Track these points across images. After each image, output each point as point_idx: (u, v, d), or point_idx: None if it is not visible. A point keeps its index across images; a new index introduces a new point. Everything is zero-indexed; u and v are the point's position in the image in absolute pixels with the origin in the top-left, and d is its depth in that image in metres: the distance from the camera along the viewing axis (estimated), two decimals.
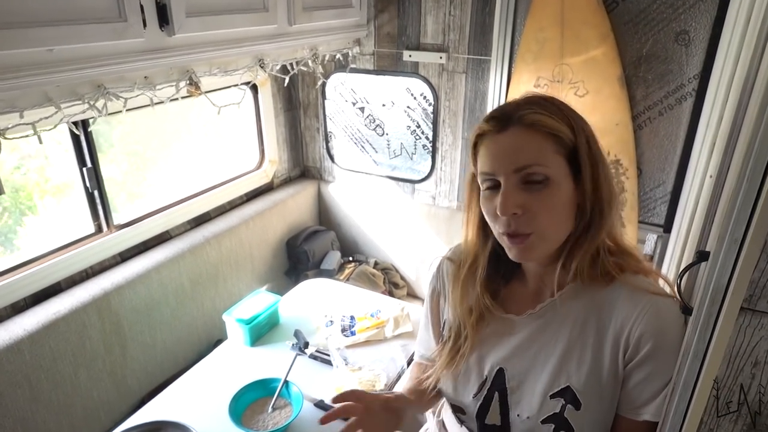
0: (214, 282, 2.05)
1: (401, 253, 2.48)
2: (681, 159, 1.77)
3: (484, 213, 0.87)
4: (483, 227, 0.93)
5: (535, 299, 0.93)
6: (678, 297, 0.76)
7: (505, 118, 0.82)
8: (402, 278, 2.50)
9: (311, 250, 2.37)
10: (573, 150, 0.82)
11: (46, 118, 1.14)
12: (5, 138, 1.08)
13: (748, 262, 0.58)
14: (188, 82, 1.45)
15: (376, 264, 2.49)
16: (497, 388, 0.93)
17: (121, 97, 1.27)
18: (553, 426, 0.87)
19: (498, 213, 0.81)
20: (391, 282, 2.45)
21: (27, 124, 1.11)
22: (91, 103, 1.20)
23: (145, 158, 2.02)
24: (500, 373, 0.93)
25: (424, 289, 2.41)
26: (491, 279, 0.95)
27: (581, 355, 0.86)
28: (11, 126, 1.09)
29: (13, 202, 1.64)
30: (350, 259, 2.48)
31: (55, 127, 1.17)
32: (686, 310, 0.72)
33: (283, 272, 2.44)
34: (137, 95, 1.31)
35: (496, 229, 0.85)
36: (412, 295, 2.50)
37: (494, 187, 0.83)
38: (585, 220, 0.84)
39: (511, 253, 0.85)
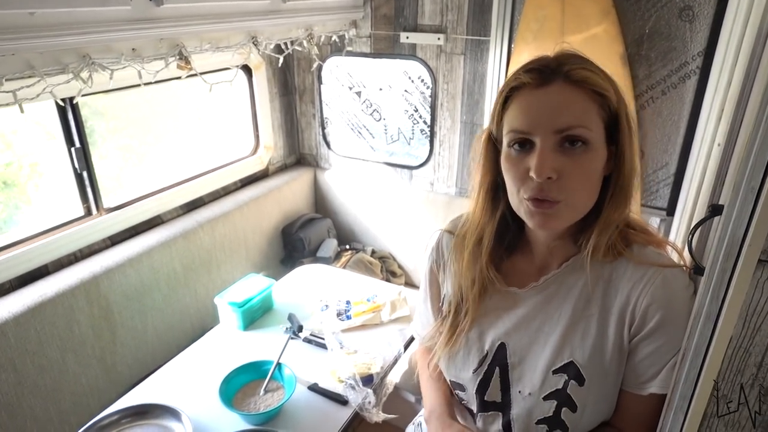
0: (207, 268, 2.00)
1: (399, 241, 2.44)
2: (684, 140, 1.73)
3: (506, 175, 0.80)
4: (494, 193, 0.87)
5: (539, 272, 0.89)
6: (689, 256, 0.72)
7: (548, 71, 0.75)
8: (399, 267, 2.46)
9: (307, 237, 2.33)
10: (613, 116, 0.76)
11: (29, 87, 1.10)
12: None
13: (766, 210, 0.54)
14: (178, 56, 1.41)
15: (373, 252, 2.45)
16: (498, 363, 0.89)
17: (108, 68, 1.23)
18: (556, 403, 0.83)
19: (533, 175, 0.74)
20: (388, 270, 2.41)
21: (7, 92, 1.06)
22: (76, 72, 1.16)
23: (139, 152, 1.98)
24: (501, 348, 0.89)
25: (422, 277, 2.36)
26: (495, 250, 0.90)
27: (585, 330, 0.82)
28: None
29: (6, 198, 1.60)
30: (347, 247, 2.44)
31: (37, 96, 1.12)
32: (698, 271, 0.68)
33: (278, 260, 2.40)
34: (124, 67, 1.26)
35: (521, 194, 0.77)
36: (410, 284, 2.45)
37: (524, 147, 0.76)
38: (610, 194, 0.79)
39: (533, 221, 0.78)
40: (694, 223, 0.72)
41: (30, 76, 1.10)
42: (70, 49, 1.15)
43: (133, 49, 1.29)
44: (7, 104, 1.08)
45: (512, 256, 0.92)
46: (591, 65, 0.76)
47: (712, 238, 0.68)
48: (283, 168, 2.55)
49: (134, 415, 1.22)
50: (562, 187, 0.74)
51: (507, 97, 0.78)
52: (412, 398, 1.74)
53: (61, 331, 1.52)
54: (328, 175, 2.54)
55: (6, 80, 1.06)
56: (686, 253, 0.90)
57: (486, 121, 2.05)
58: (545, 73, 0.74)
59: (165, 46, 1.38)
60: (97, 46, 1.20)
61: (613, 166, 0.79)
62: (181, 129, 2.13)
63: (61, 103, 1.39)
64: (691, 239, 0.69)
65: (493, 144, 0.84)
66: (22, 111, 1.09)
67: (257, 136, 2.36)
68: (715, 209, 0.63)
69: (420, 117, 2.22)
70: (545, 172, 0.73)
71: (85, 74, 1.19)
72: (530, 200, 0.76)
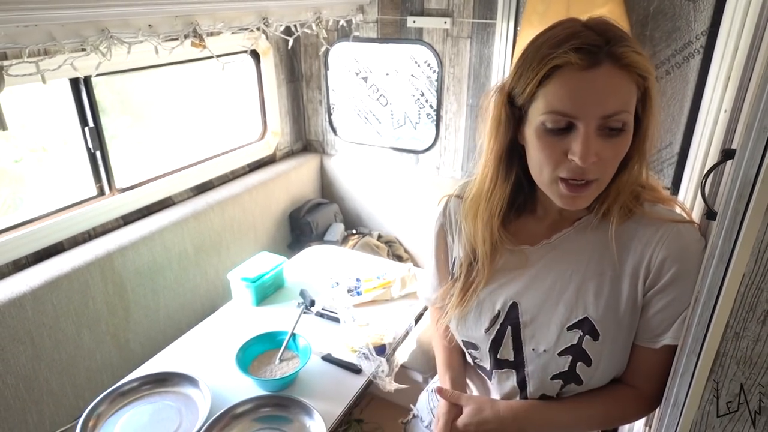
0: (217, 250, 2.03)
1: (405, 226, 2.46)
2: (688, 119, 1.76)
3: (538, 152, 0.78)
4: (507, 159, 0.86)
5: (550, 231, 0.90)
6: (702, 202, 0.75)
7: (596, 50, 0.71)
8: (406, 251, 2.48)
9: (314, 221, 2.35)
10: (644, 94, 0.76)
11: (50, 57, 1.12)
12: (8, 75, 1.06)
13: None
14: (192, 34, 1.43)
15: (379, 237, 2.48)
16: (510, 322, 0.90)
17: (125, 42, 1.25)
18: (571, 357, 0.85)
19: (574, 159, 0.73)
20: (394, 254, 2.44)
21: (30, 62, 1.09)
22: (95, 45, 1.18)
23: (146, 138, 2.00)
24: (513, 307, 0.90)
25: (427, 260, 2.39)
26: (505, 212, 0.91)
27: (599, 286, 0.84)
28: (15, 63, 1.07)
29: (12, 193, 1.62)
30: (353, 231, 2.47)
31: (59, 68, 1.14)
32: (711, 216, 0.70)
33: (286, 245, 2.42)
34: (141, 41, 1.29)
35: (554, 173, 0.77)
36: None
37: (562, 128, 0.74)
38: (629, 164, 0.80)
39: (563, 200, 0.78)
40: (706, 169, 0.75)
41: (47, 52, 1.12)
42: (89, 22, 1.17)
43: (149, 25, 1.32)
44: (30, 74, 1.10)
45: (521, 216, 0.93)
46: (635, 45, 0.74)
47: (725, 182, 0.71)
48: (290, 154, 2.57)
49: (154, 383, 1.25)
50: (598, 168, 0.75)
51: (546, 74, 0.74)
52: (419, 377, 1.77)
53: (77, 306, 1.54)
54: (334, 161, 2.57)
55: (29, 55, 1.08)
56: (697, 204, 0.92)
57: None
58: (593, 53, 0.70)
59: (180, 24, 1.40)
60: (116, 21, 1.22)
61: (635, 137, 0.79)
62: (190, 116, 2.16)
63: (79, 75, 1.40)
64: (704, 185, 0.71)
65: (509, 108, 0.82)
66: (44, 82, 1.12)
67: (265, 122, 2.39)
68: (727, 154, 0.66)
69: (426, 101, 2.25)
70: (590, 157, 0.72)
71: (103, 47, 1.21)
72: (564, 182, 0.76)
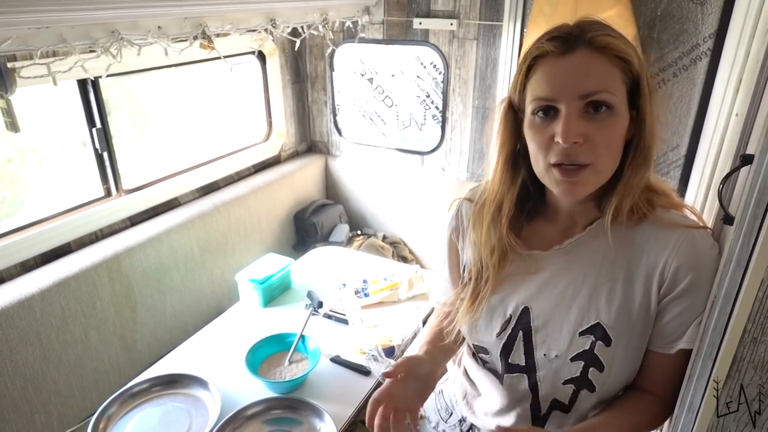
0: (223, 251, 2.03)
1: (410, 227, 2.47)
2: (696, 121, 1.76)
3: (530, 142, 0.81)
4: (513, 161, 0.88)
5: (562, 236, 0.90)
6: (719, 206, 0.75)
7: (571, 38, 0.75)
8: (410, 252, 2.48)
9: (319, 222, 2.35)
10: (635, 80, 0.78)
11: (61, 59, 1.12)
12: (20, 77, 1.06)
13: None
14: (201, 35, 1.43)
15: (384, 238, 2.48)
16: (521, 327, 0.90)
17: (135, 44, 1.25)
18: (583, 363, 0.85)
19: (558, 140, 0.75)
20: (399, 255, 2.44)
21: (42, 64, 1.09)
22: (105, 47, 1.18)
23: (148, 140, 2.00)
24: (525, 312, 0.90)
25: (433, 262, 2.39)
26: (515, 217, 0.91)
27: (611, 292, 0.84)
28: (27, 65, 1.07)
29: (12, 193, 1.61)
30: (359, 232, 2.47)
31: (69, 69, 1.14)
32: (728, 220, 0.70)
33: (291, 246, 2.42)
34: (151, 43, 1.29)
35: (546, 159, 0.78)
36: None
37: (549, 114, 0.77)
38: (630, 157, 0.80)
39: (560, 188, 0.79)
40: (723, 174, 0.75)
41: (56, 54, 1.12)
42: (99, 24, 1.17)
43: (159, 27, 1.32)
44: (41, 76, 1.10)
45: (533, 221, 0.93)
46: (613, 31, 0.77)
47: (741, 187, 0.71)
48: (294, 155, 2.57)
49: (164, 384, 1.25)
50: (589, 150, 0.75)
51: (530, 66, 0.79)
52: None
53: (84, 307, 1.54)
54: (339, 162, 2.57)
55: (40, 57, 1.09)
56: (709, 207, 0.92)
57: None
58: (569, 41, 0.75)
59: (189, 26, 1.40)
60: (126, 22, 1.22)
61: (635, 130, 0.80)
62: (196, 116, 2.16)
63: (89, 77, 1.41)
64: (722, 190, 0.72)
65: (513, 113, 0.85)
66: (55, 84, 1.12)
67: (270, 123, 2.39)
68: (745, 159, 0.66)
69: (432, 102, 2.25)
70: (571, 137, 0.74)
71: (114, 49, 1.21)
72: (557, 168, 0.77)
